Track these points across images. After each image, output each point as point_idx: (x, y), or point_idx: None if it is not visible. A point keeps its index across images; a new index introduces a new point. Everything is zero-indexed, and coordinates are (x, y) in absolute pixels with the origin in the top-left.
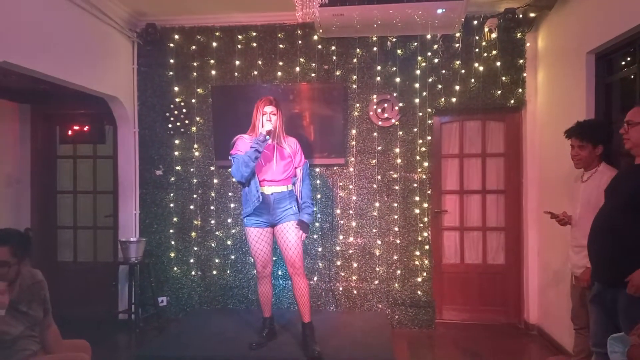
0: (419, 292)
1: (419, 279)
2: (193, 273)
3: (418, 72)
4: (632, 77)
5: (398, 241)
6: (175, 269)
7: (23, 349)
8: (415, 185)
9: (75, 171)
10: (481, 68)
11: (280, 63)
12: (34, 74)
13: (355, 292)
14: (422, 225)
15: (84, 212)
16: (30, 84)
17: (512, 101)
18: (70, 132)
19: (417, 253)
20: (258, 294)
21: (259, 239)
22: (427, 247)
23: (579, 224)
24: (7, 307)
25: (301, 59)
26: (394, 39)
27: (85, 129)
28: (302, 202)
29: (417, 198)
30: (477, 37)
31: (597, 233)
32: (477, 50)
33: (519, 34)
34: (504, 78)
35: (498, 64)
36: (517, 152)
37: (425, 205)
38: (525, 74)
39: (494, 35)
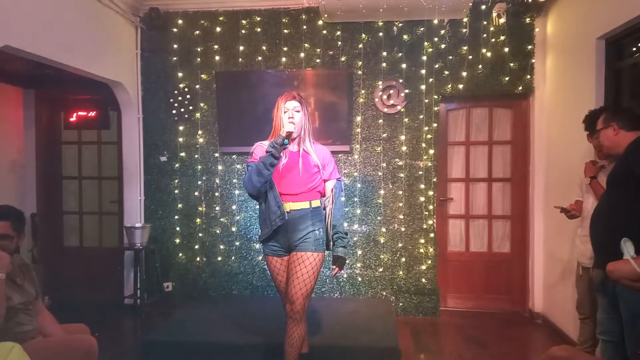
0: (423, 280)
1: (424, 267)
2: (198, 259)
3: (424, 58)
4: None
5: (403, 229)
6: (180, 255)
7: (20, 322)
8: (421, 172)
9: (80, 157)
10: (489, 54)
11: (285, 48)
12: (36, 58)
13: (359, 279)
14: (427, 213)
15: (89, 198)
16: (34, 69)
17: (520, 88)
18: (74, 118)
19: (422, 241)
20: (285, 338)
21: (279, 270)
22: (432, 235)
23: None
24: (5, 279)
25: (306, 45)
26: (400, 24)
27: (90, 114)
28: (333, 232)
29: (423, 186)
30: (485, 22)
31: (595, 220)
32: (484, 35)
33: (527, 19)
34: (512, 64)
35: (506, 49)
36: (524, 140)
37: (431, 193)
38: (533, 60)
39: (502, 21)
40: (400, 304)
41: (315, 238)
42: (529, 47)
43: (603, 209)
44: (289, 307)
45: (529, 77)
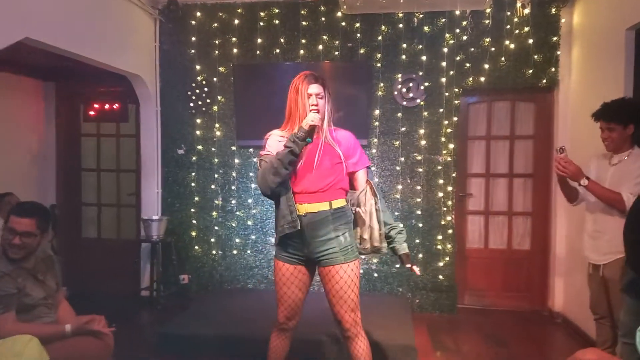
0: (440, 277)
1: (441, 264)
2: (214, 252)
3: (445, 50)
4: None
5: (420, 225)
6: (196, 247)
7: (39, 315)
8: (440, 167)
9: (99, 149)
10: (512, 46)
11: (303, 41)
12: (55, 50)
13: (375, 275)
14: (445, 209)
15: (107, 190)
16: (54, 61)
17: (544, 81)
18: (93, 111)
19: (440, 237)
20: (268, 349)
21: (287, 279)
22: (450, 231)
23: (604, 207)
24: (27, 275)
25: (324, 37)
26: (421, 15)
27: (108, 107)
28: (387, 228)
29: (441, 181)
30: (508, 13)
31: (632, 218)
32: (508, 27)
33: (553, 10)
34: (536, 56)
35: (530, 41)
36: (547, 135)
37: (450, 188)
38: (559, 52)
39: (526, 11)
40: (417, 301)
41: (341, 247)
42: (554, 38)
43: None
44: (348, 327)
45: (553, 69)
